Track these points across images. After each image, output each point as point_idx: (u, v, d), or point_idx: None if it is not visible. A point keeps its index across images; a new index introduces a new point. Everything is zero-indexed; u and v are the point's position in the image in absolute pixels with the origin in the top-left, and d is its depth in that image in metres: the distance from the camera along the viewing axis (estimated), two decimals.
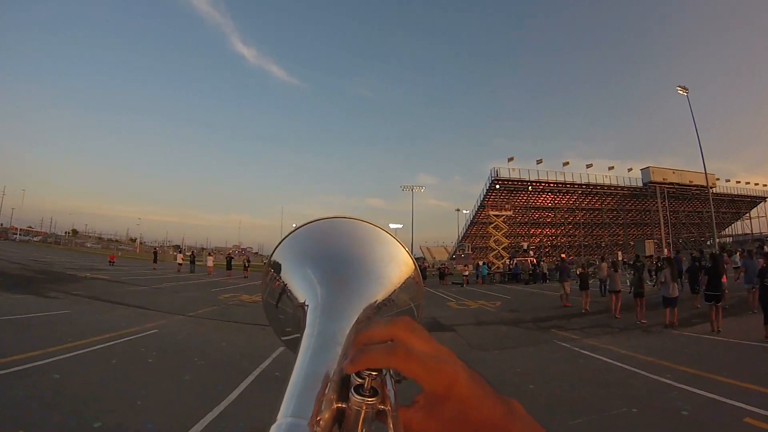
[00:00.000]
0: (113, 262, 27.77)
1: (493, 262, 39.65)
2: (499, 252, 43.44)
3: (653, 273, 16.73)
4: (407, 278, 0.51)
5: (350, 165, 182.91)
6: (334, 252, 0.51)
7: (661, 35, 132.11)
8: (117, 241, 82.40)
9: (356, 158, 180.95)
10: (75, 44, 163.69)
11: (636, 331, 9.79)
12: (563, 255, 36.47)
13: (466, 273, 29.48)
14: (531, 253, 40.09)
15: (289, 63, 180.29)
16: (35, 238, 65.35)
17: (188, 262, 26.68)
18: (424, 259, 68.26)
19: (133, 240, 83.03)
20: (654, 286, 15.24)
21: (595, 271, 22.43)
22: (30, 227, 74.25)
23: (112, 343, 6.95)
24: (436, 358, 0.33)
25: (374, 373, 0.32)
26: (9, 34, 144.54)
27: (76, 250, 54.18)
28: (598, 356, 7.39)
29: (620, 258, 34.42)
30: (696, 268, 12.70)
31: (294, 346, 0.38)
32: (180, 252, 29.48)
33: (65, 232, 75.19)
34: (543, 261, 35.24)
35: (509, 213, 47.49)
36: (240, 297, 15.22)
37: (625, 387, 5.61)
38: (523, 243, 46.75)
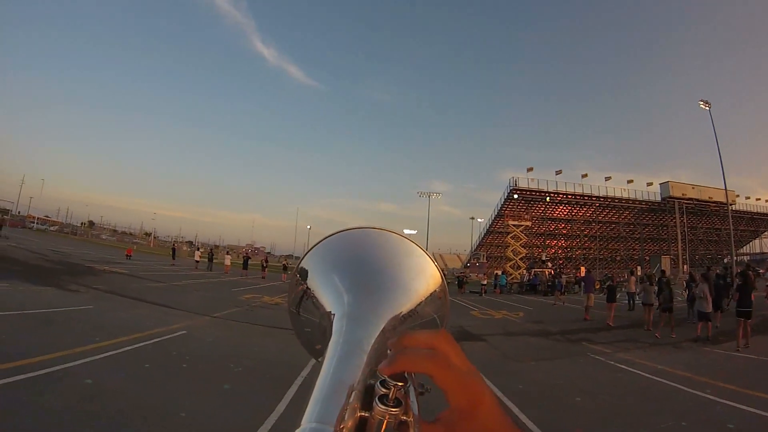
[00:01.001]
0: (130, 256, 27.69)
1: (509, 272, 38.97)
2: (516, 262, 42.68)
3: (690, 288, 16.31)
4: (434, 291, 0.51)
5: (364, 168, 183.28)
6: (362, 261, 0.52)
7: (680, 47, 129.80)
8: (131, 234, 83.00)
9: (370, 162, 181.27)
10: (97, 41, 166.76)
11: (667, 347, 9.65)
12: (583, 267, 35.98)
13: (485, 282, 28.95)
14: (549, 264, 39.26)
15: (307, 64, 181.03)
16: (52, 228, 66.03)
17: (206, 260, 26.46)
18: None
19: (149, 234, 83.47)
20: (688, 301, 14.99)
21: (622, 284, 22.21)
22: (47, 216, 75.08)
23: (142, 344, 6.56)
24: (468, 373, 0.34)
25: (400, 384, 0.32)
26: (37, 29, 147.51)
27: (92, 241, 54.57)
28: (636, 370, 7.36)
29: (639, 272, 33.72)
30: (722, 285, 12.50)
31: (319, 354, 0.39)
32: (198, 249, 29.33)
33: (81, 223, 75.89)
34: (562, 273, 34.53)
35: (528, 223, 46.67)
36: (262, 298, 14.86)
37: (669, 401, 5.69)
38: (541, 254, 45.86)
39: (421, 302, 0.48)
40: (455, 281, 29.54)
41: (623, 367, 7.63)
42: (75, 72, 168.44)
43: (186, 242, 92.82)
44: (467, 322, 13.41)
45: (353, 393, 0.31)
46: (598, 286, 18.72)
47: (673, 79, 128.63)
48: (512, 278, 37.29)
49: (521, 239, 44.41)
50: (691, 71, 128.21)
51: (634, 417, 5.01)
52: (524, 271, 38.17)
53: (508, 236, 45.19)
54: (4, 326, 6.70)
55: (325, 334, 0.41)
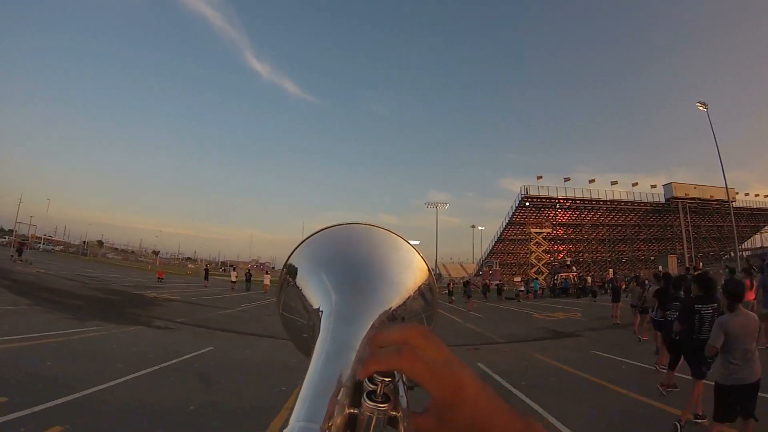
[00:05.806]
0: (162, 279, 26.87)
1: (535, 278, 39.05)
2: (539, 268, 42.65)
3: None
4: (422, 285, 0.50)
5: (361, 180, 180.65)
6: (350, 258, 0.51)
7: (677, 53, 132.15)
8: (133, 252, 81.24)
9: (368, 174, 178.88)
10: (89, 58, 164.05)
11: None
12: (611, 270, 36.07)
13: (522, 288, 29.06)
14: (574, 268, 39.30)
15: (302, 79, 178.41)
16: (57, 248, 64.30)
17: (244, 281, 25.95)
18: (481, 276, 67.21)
19: (156, 253, 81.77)
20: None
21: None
22: (47, 235, 72.92)
23: None
24: (444, 363, 0.33)
25: (387, 379, 0.32)
26: (45, 51, 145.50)
27: (103, 261, 53.20)
28: None
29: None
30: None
31: (308, 352, 0.39)
32: (233, 269, 28.79)
33: (82, 242, 73.63)
34: (588, 276, 34.69)
35: (549, 230, 46.75)
36: None
37: None
38: (566, 258, 45.91)
39: (409, 297, 0.47)
40: (495, 289, 29.69)
41: None
42: (67, 88, 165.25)
43: (186, 258, 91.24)
44: (542, 324, 14.34)
45: (342, 390, 0.31)
46: (623, 287, 18.56)
47: (672, 82, 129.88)
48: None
49: (543, 245, 44.41)
50: (687, 74, 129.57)
51: None
52: (546, 277, 38.16)
53: (531, 243, 45.15)
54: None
55: (314, 331, 0.40)
